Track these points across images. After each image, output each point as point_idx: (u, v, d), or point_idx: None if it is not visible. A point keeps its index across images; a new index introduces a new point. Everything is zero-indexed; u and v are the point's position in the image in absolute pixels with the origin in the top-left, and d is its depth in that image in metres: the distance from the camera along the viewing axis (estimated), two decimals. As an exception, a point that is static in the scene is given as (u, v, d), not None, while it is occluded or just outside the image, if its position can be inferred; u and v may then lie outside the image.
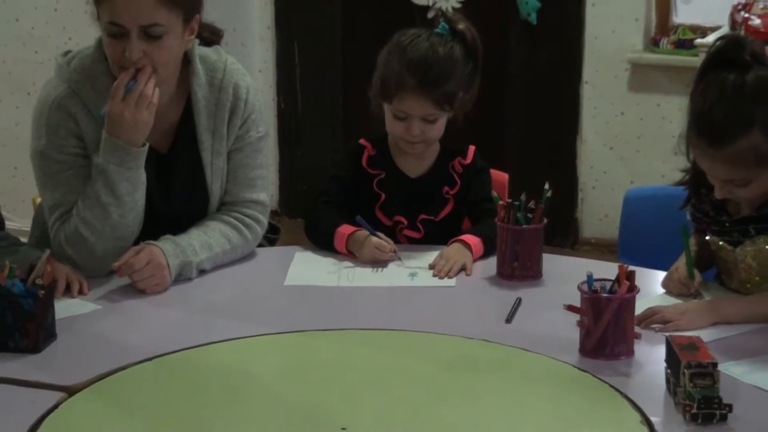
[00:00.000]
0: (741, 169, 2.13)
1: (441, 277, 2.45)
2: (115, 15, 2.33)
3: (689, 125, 2.20)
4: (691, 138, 2.19)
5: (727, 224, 2.29)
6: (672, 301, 2.29)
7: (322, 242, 2.61)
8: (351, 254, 2.55)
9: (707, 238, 2.35)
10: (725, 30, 4.30)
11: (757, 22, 4.12)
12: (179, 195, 2.55)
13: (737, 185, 2.16)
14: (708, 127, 2.13)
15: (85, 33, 2.57)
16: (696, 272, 2.32)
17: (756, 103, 2.11)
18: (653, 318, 2.17)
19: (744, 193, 2.18)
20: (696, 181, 2.30)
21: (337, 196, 2.68)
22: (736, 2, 4.40)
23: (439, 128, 2.62)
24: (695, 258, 2.37)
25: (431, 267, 2.49)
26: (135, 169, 2.39)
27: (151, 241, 2.41)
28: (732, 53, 2.17)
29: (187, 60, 2.50)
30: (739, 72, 2.14)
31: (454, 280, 2.45)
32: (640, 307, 2.14)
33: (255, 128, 2.60)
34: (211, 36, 2.59)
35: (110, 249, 2.40)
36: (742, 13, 4.23)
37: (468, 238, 2.55)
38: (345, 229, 2.56)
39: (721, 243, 2.31)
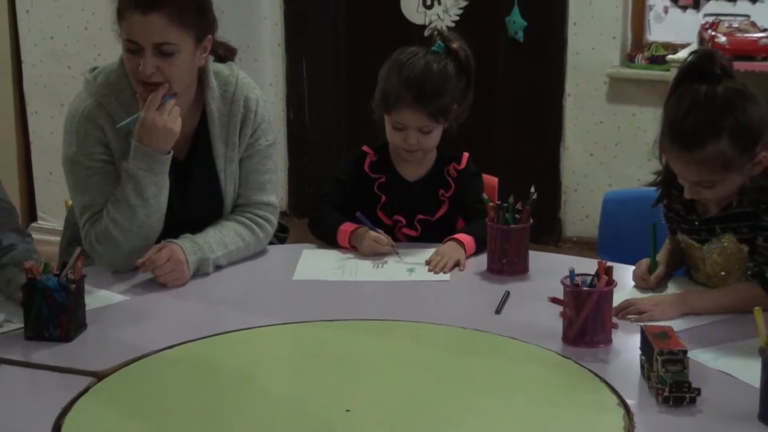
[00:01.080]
0: (709, 172, 2.13)
1: (436, 272, 2.45)
2: (131, 33, 2.34)
3: (663, 131, 2.20)
4: (665, 142, 2.19)
5: (696, 223, 2.29)
6: (646, 294, 2.29)
7: (326, 237, 2.62)
8: (353, 248, 2.56)
9: (678, 235, 2.35)
10: (694, 47, 4.30)
11: (722, 39, 4.12)
12: (196, 198, 2.55)
13: (705, 187, 2.17)
14: (681, 132, 2.13)
15: (112, 49, 2.57)
16: (660, 266, 2.32)
17: (725, 113, 2.11)
18: (629, 309, 2.17)
19: (710, 194, 2.19)
20: (668, 182, 2.30)
21: (340, 197, 2.68)
22: (703, 21, 4.41)
23: (434, 138, 2.62)
24: (669, 257, 2.37)
25: (428, 263, 2.49)
26: (161, 174, 2.39)
27: (172, 240, 2.41)
28: (704, 66, 2.17)
29: (202, 75, 2.50)
30: (710, 84, 2.14)
31: (448, 274, 2.45)
32: (617, 299, 2.14)
33: (264, 137, 2.60)
34: (225, 53, 2.59)
35: (136, 247, 2.40)
36: (709, 31, 4.24)
37: (461, 236, 2.55)
38: (347, 227, 2.57)
39: (690, 240, 2.31)
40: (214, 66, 2.53)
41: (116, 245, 2.39)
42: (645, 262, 2.34)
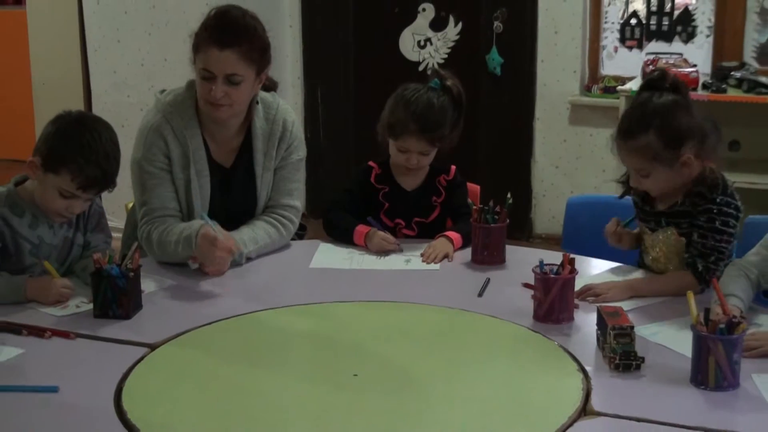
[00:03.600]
0: (641, 160, 2.18)
1: (428, 262, 2.45)
2: (208, 64, 2.34)
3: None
4: (614, 137, 2.24)
5: (648, 211, 2.30)
6: (601, 280, 2.29)
7: (341, 236, 2.59)
8: (364, 245, 2.55)
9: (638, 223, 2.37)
10: (639, 80, 4.30)
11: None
12: (236, 198, 2.54)
13: (642, 176, 2.20)
14: (622, 126, 2.21)
15: (163, 82, 2.58)
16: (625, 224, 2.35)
17: (656, 114, 2.17)
18: (588, 293, 2.17)
19: (648, 183, 2.22)
20: (628, 181, 2.31)
21: (349, 203, 2.67)
22: (646, 59, 4.41)
23: (431, 158, 2.62)
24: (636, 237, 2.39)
25: (422, 255, 2.49)
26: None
27: None
28: (657, 82, 2.23)
29: (253, 100, 2.50)
30: (657, 93, 2.19)
31: (438, 264, 2.45)
32: (578, 284, 2.14)
33: (296, 152, 2.60)
34: (270, 84, 2.59)
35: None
36: (651, 66, 4.24)
37: (450, 233, 2.54)
38: (362, 228, 2.55)
39: (644, 227, 2.32)
40: (261, 94, 2.53)
41: (167, 255, 2.40)
42: (615, 220, 2.36)
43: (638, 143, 2.16)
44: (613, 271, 2.39)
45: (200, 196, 2.47)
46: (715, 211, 2.17)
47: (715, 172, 2.20)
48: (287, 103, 2.71)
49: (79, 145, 2.14)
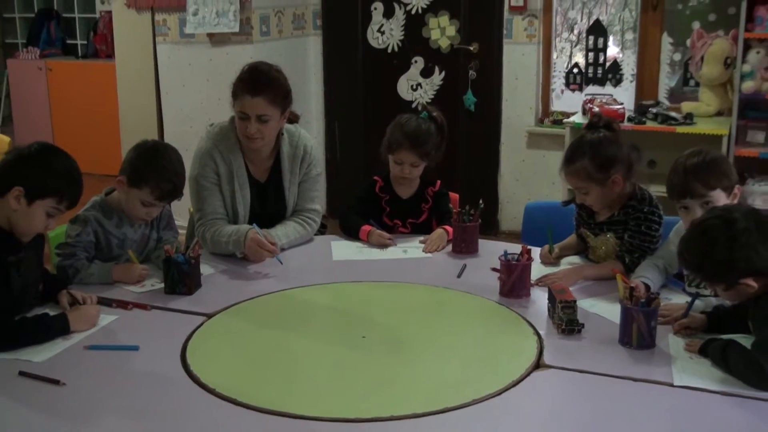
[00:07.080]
0: (579, 180, 2.17)
1: (432, 251, 2.44)
2: (243, 107, 2.36)
3: None
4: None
5: (592, 224, 2.29)
6: (555, 268, 2.26)
7: (352, 234, 2.59)
8: (367, 240, 2.54)
9: (581, 230, 2.35)
10: (580, 114, 4.29)
11: (597, 109, 4.09)
12: (269, 205, 2.54)
13: (582, 193, 2.19)
14: (565, 156, 2.21)
15: (217, 116, 2.56)
16: (556, 249, 2.31)
17: (589, 146, 2.17)
18: (545, 280, 2.13)
19: (588, 199, 2.21)
20: (575, 198, 2.30)
21: (359, 208, 2.66)
22: (585, 98, 4.40)
23: (420, 170, 2.62)
24: (567, 243, 2.37)
25: (422, 242, 2.48)
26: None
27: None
28: (592, 122, 2.24)
29: (279, 132, 2.51)
30: (593, 131, 2.20)
31: (430, 254, 2.44)
32: (534, 269, 2.13)
33: (314, 169, 2.60)
34: (293, 117, 2.59)
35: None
36: (588, 104, 4.23)
37: (447, 227, 2.53)
38: (366, 228, 2.55)
39: (588, 233, 2.31)
40: (286, 126, 2.54)
41: (218, 250, 2.39)
42: (546, 247, 2.33)
43: (576, 167, 2.16)
44: (566, 261, 2.34)
45: (242, 204, 2.47)
46: (642, 218, 2.17)
47: (644, 190, 2.22)
48: (310, 132, 2.71)
49: (156, 167, 2.17)
